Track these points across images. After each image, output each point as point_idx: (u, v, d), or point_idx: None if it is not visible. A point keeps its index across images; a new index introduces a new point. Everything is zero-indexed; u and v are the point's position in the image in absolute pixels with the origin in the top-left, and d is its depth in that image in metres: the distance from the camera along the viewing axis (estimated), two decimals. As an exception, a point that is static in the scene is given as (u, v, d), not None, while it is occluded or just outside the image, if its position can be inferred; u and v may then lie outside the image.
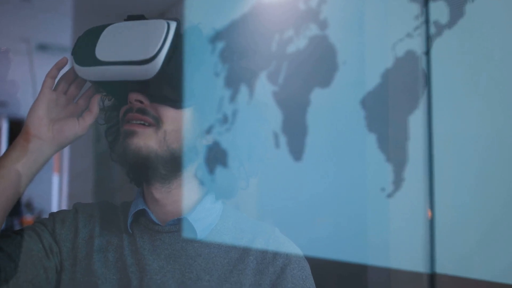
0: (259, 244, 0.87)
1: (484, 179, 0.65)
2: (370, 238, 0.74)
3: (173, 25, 0.81)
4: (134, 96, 0.85)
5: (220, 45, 0.99)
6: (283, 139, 0.89)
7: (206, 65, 0.88)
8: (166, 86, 0.84)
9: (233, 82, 0.92)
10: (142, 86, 0.84)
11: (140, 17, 0.87)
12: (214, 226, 0.89)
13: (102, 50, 0.84)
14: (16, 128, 5.73)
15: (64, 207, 3.81)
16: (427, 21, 0.66)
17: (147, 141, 0.83)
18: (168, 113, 0.84)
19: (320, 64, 0.85)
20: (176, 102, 0.84)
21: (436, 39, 0.68)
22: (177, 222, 0.88)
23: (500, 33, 0.65)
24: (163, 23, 0.82)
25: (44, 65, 3.53)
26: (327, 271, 0.85)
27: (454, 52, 0.67)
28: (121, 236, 0.90)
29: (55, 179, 5.15)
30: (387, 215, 0.72)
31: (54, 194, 5.17)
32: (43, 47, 3.48)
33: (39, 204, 5.18)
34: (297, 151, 0.87)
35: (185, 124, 0.85)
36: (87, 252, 0.89)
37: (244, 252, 0.86)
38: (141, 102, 0.84)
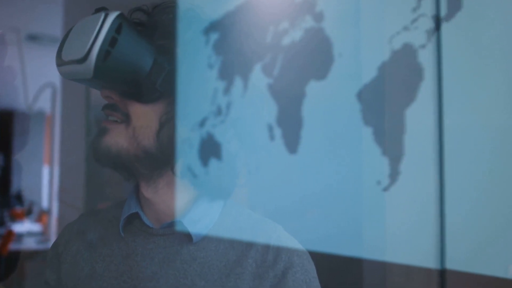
0: (259, 245, 0.81)
1: (496, 173, 0.65)
2: (366, 231, 0.74)
3: (111, 17, 0.76)
4: (103, 93, 0.82)
5: (214, 36, 0.98)
6: (278, 132, 0.88)
7: (187, 57, 0.85)
8: (118, 81, 0.79)
9: (225, 74, 0.91)
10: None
11: (102, 10, 0.81)
12: (212, 226, 0.83)
13: (65, 49, 0.80)
14: (5, 119, 5.69)
15: (54, 199, 3.79)
16: (437, 13, 0.66)
17: (117, 138, 0.80)
18: (135, 109, 0.80)
19: (316, 56, 0.84)
20: (141, 96, 0.80)
21: (434, 32, 0.68)
22: (172, 225, 0.83)
23: (498, 26, 0.65)
24: (100, 16, 0.77)
25: (34, 55, 3.50)
26: (322, 265, 0.85)
27: (452, 45, 0.67)
28: (111, 243, 0.87)
29: (45, 171, 5.13)
30: (383, 208, 0.72)
31: (45, 186, 5.14)
32: (33, 37, 3.45)
33: (29, 196, 5.15)
34: (292, 143, 0.86)
35: (157, 120, 0.80)
36: (74, 272, 0.88)
37: (243, 255, 0.81)
38: (111, 98, 0.81)
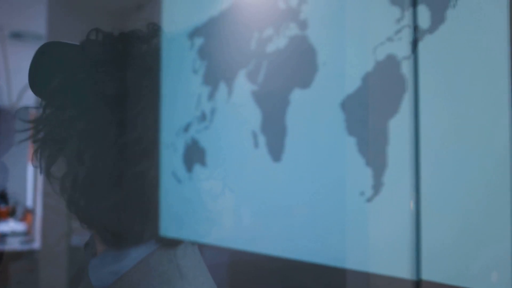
0: None
1: (475, 184, 0.65)
2: (349, 242, 0.74)
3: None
4: None
5: (198, 41, 0.97)
6: (262, 139, 0.88)
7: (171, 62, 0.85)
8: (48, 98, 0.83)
9: (209, 79, 0.90)
10: None
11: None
12: (121, 275, 0.72)
13: None
14: (-10, 117, 5.60)
15: (39, 198, 3.75)
16: (414, 25, 0.66)
17: None
18: None
19: (300, 64, 0.83)
20: None
21: (418, 44, 0.67)
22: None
23: (481, 38, 0.65)
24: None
25: (18, 53, 3.45)
26: (306, 275, 0.84)
27: (436, 57, 0.67)
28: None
29: (30, 169, 5.07)
30: (366, 219, 0.72)
31: (29, 184, 5.08)
32: (17, 35, 3.40)
33: (13, 195, 5.08)
34: (276, 151, 0.86)
35: None
36: None
37: None
38: None
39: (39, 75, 0.79)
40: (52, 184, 0.73)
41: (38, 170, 0.74)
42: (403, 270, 0.67)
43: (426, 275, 0.66)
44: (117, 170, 0.69)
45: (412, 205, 0.68)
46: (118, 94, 0.70)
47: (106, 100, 0.70)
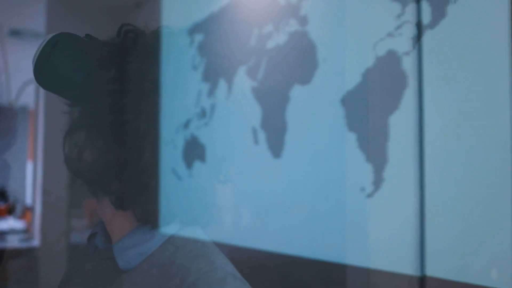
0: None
1: (477, 181, 0.65)
2: (349, 237, 0.74)
3: (49, 36, 0.81)
4: None
5: (198, 37, 0.97)
6: (262, 136, 0.88)
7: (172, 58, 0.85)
8: (56, 90, 0.82)
9: (209, 76, 0.90)
10: None
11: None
12: (148, 256, 0.75)
13: None
14: (-11, 114, 5.57)
15: (38, 196, 3.75)
16: (419, 21, 0.66)
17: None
18: None
19: (300, 60, 0.83)
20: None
21: (421, 39, 0.67)
22: (110, 249, 0.78)
23: (482, 34, 0.65)
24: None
25: (17, 51, 3.45)
26: (306, 270, 0.84)
27: (437, 52, 0.67)
28: (84, 256, 0.86)
29: (29, 167, 5.06)
30: (367, 215, 0.72)
31: (28, 182, 5.08)
32: (16, 33, 3.40)
33: (13, 192, 5.08)
34: (276, 148, 0.86)
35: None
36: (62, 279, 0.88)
37: None
38: None
39: (54, 67, 0.78)
40: (81, 169, 0.76)
41: (66, 157, 0.77)
42: (407, 266, 0.67)
43: (429, 271, 0.66)
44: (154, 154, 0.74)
45: (415, 201, 0.68)
46: (151, 86, 0.74)
47: (142, 91, 0.74)
